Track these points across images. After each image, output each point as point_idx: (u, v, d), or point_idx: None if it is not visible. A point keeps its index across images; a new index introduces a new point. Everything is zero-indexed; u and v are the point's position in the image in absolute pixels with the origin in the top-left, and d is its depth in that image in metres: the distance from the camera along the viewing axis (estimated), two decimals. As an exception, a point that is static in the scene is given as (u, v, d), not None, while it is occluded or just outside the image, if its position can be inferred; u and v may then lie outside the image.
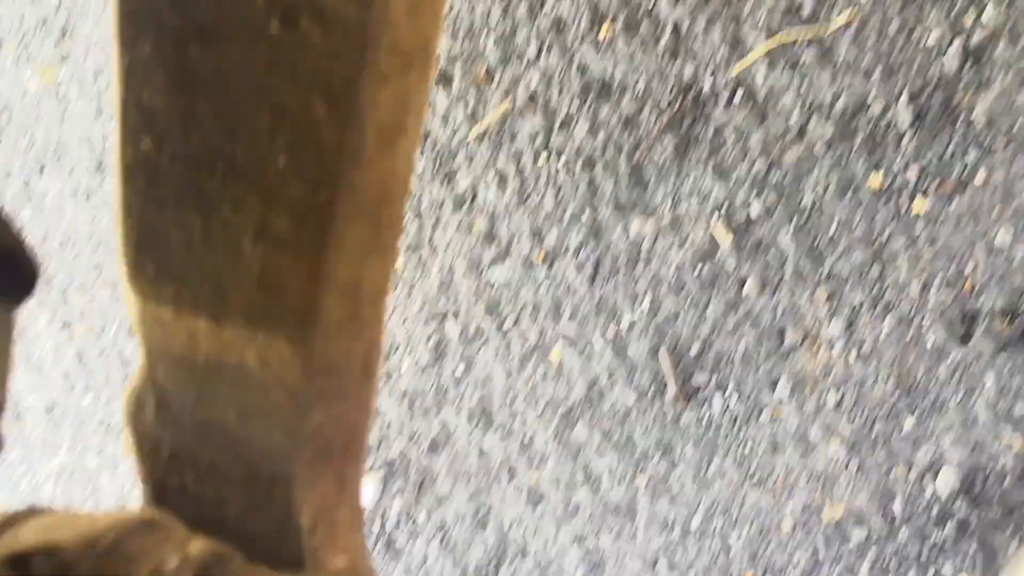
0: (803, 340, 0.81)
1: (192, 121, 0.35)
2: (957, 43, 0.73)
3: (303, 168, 0.34)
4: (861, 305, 0.78)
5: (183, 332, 0.38)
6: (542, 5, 0.88)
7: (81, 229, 1.24)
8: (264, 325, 0.36)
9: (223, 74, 0.34)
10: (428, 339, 1.01)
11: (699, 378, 0.85)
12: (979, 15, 0.72)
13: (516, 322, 0.94)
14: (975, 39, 0.72)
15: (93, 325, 1.27)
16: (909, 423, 0.77)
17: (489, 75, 0.93)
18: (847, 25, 0.76)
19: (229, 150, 0.35)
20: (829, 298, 0.79)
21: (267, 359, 0.37)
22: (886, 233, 0.76)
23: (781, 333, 0.82)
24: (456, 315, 0.98)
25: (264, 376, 0.37)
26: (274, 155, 0.34)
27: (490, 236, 0.93)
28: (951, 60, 0.73)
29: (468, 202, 0.95)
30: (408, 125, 0.36)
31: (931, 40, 0.73)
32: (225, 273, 0.36)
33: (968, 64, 0.73)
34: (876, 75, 0.75)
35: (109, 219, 1.22)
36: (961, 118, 0.73)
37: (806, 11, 0.77)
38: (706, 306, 0.84)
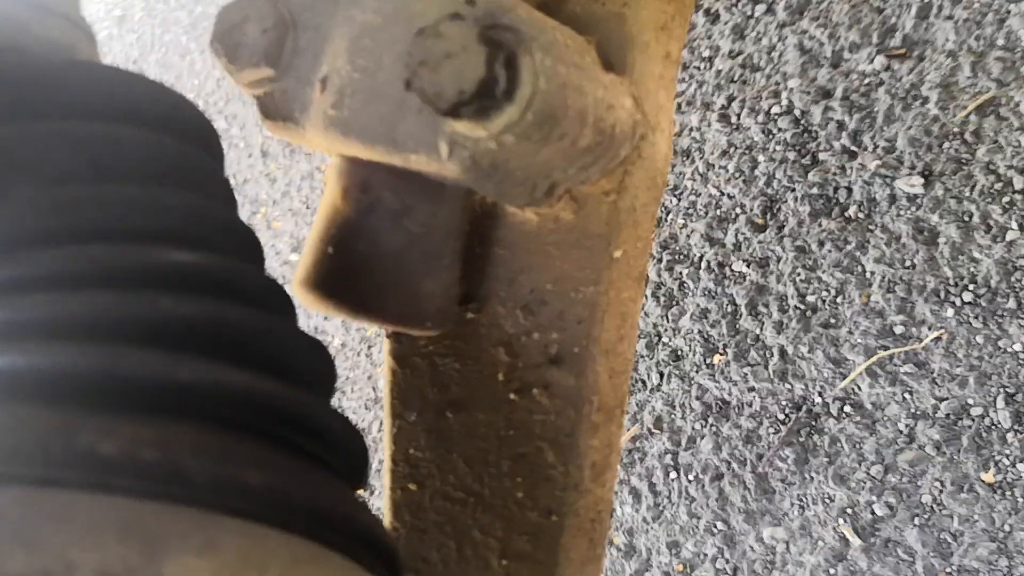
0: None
1: (448, 468, 0.46)
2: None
3: (537, 499, 0.44)
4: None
5: None
6: (660, 339, 1.01)
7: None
8: None
9: (472, 433, 0.45)
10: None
11: None
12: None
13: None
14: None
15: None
16: None
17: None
18: (937, 339, 0.86)
19: (478, 488, 0.45)
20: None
21: None
22: (1007, 526, 0.81)
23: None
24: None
25: None
26: (514, 491, 0.44)
27: (630, 550, 1.00)
28: (1039, 363, 0.83)
29: (605, 517, 1.04)
30: (612, 462, 0.46)
31: (1017, 346, 0.82)
32: None
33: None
34: (971, 382, 0.84)
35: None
36: (1059, 414, 0.82)
37: (898, 330, 0.88)
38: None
